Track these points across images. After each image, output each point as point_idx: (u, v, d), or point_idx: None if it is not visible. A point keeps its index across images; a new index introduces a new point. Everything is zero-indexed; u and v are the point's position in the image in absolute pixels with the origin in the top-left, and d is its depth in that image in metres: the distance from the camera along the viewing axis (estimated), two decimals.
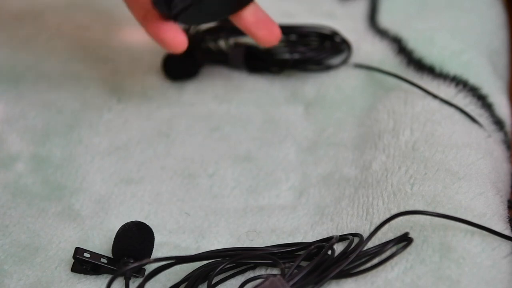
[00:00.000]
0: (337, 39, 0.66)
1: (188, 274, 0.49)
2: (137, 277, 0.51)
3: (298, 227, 0.54)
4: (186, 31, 0.64)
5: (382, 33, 0.69)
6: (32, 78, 0.65)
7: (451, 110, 0.59)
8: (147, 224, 0.52)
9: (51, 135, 0.61)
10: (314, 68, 0.66)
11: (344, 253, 0.47)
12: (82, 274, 0.51)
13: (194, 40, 0.65)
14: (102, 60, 0.66)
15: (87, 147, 0.60)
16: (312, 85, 0.65)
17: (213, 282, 0.48)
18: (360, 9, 0.73)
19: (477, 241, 0.48)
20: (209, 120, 0.63)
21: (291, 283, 0.45)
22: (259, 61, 0.66)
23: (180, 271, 0.50)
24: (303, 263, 0.47)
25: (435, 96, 0.60)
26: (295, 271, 0.45)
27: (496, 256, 0.47)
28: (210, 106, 0.64)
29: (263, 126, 0.63)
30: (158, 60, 0.66)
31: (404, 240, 0.48)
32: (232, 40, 0.66)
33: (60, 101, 0.63)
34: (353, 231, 0.52)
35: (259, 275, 0.49)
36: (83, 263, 0.51)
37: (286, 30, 0.66)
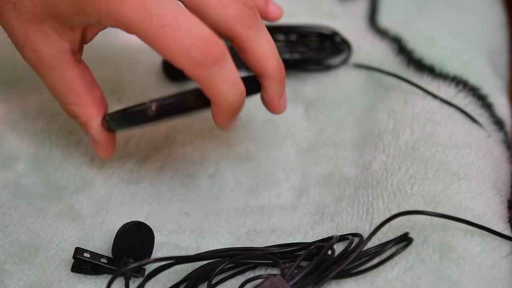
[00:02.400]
0: (337, 39, 0.66)
1: (188, 274, 0.49)
2: (137, 277, 0.51)
3: (298, 227, 0.54)
4: None
5: (382, 33, 0.69)
6: (32, 78, 0.65)
7: (451, 110, 0.59)
8: (147, 224, 0.52)
9: (51, 135, 0.61)
10: (314, 68, 0.66)
11: (344, 253, 0.47)
12: (82, 274, 0.51)
13: None
14: (102, 60, 0.66)
15: (87, 147, 0.60)
16: (312, 85, 0.65)
17: (213, 282, 0.48)
18: (360, 9, 0.73)
19: (477, 241, 0.48)
20: (209, 120, 0.63)
21: (291, 283, 0.45)
22: None
23: (180, 271, 0.50)
24: (303, 263, 0.47)
25: (435, 96, 0.60)
26: (295, 271, 0.45)
27: (496, 256, 0.47)
28: None
29: (263, 126, 0.63)
30: (158, 60, 0.66)
31: (404, 240, 0.48)
32: None
33: None
34: (353, 231, 0.52)
35: (259, 275, 0.49)
36: (83, 263, 0.51)
37: (286, 30, 0.66)
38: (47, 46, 0.50)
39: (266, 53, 0.50)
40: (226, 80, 0.48)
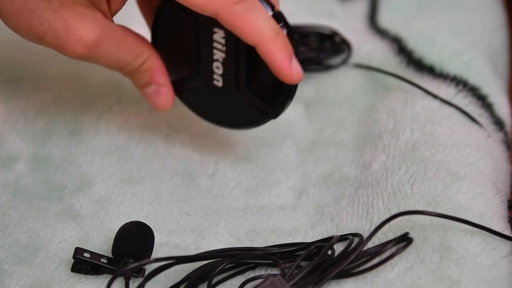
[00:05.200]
0: (337, 39, 0.66)
1: (188, 274, 0.49)
2: (137, 277, 0.51)
3: (298, 227, 0.54)
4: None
5: (382, 33, 0.69)
6: (32, 78, 0.65)
7: (451, 110, 0.59)
8: (147, 224, 0.52)
9: (51, 135, 0.61)
10: (314, 68, 0.66)
11: (344, 253, 0.47)
12: (82, 274, 0.51)
13: None
14: None
15: (87, 147, 0.60)
16: (312, 85, 0.65)
17: (213, 282, 0.48)
18: (360, 9, 0.73)
19: (477, 241, 0.48)
20: None
21: (291, 283, 0.45)
22: None
23: (180, 271, 0.50)
24: (303, 263, 0.47)
25: (435, 96, 0.60)
26: (295, 271, 0.45)
27: (496, 256, 0.47)
28: None
29: (263, 126, 0.63)
30: None
31: (404, 240, 0.48)
32: None
33: (60, 101, 0.63)
34: (353, 231, 0.52)
35: (259, 275, 0.49)
36: (83, 263, 0.51)
37: None
38: (89, 23, 0.50)
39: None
40: (259, 13, 0.47)
